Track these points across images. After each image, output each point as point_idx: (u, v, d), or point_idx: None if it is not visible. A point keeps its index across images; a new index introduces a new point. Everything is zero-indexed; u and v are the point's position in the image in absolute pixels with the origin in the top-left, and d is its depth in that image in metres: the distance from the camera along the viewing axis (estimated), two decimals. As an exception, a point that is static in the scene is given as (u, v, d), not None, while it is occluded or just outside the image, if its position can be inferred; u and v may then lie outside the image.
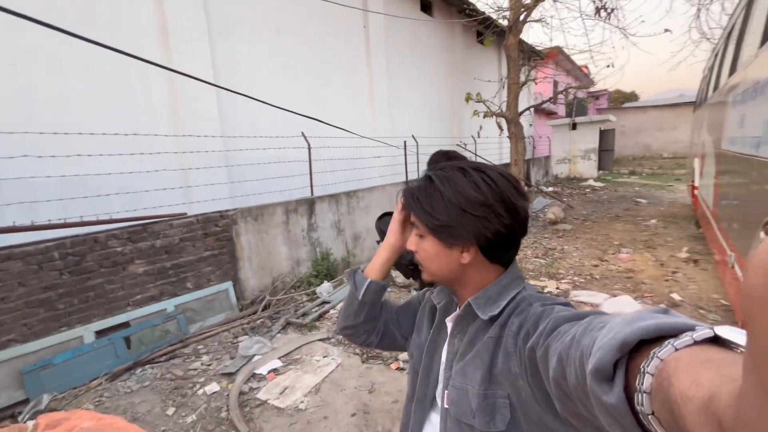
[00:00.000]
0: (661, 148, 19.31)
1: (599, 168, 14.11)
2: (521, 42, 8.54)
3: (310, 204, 4.49)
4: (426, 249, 0.66)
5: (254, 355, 2.95)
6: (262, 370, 2.76)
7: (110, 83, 3.44)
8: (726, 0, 7.03)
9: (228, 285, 3.66)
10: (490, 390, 0.58)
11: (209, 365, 2.89)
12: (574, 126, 13.94)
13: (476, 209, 0.60)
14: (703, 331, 0.28)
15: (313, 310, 3.70)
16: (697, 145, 6.19)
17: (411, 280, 2.11)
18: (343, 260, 4.88)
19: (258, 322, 3.46)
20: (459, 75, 8.96)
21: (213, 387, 2.60)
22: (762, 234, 1.82)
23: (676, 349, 0.28)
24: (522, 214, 0.62)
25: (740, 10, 3.82)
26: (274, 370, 2.77)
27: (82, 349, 2.75)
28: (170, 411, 2.38)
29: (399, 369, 2.74)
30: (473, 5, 7.98)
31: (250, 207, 3.87)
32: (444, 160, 1.99)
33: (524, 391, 0.55)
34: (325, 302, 3.86)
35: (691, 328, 0.30)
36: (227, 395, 2.50)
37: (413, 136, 6.30)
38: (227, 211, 3.71)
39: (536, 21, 8.49)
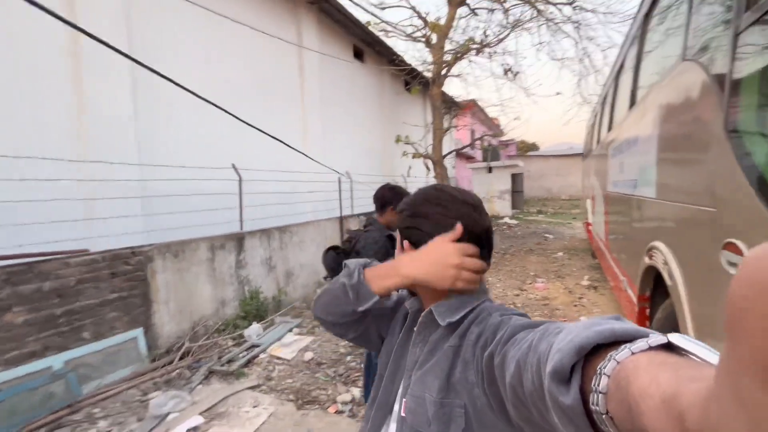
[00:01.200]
0: (560, 191, 22.31)
1: (513, 207, 15.71)
2: (443, 93, 9.50)
3: (239, 239, 4.22)
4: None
5: (169, 414, 2.54)
6: (179, 430, 2.39)
7: (-1, 99, 2.96)
8: (599, 73, 8.77)
9: (137, 332, 3.18)
10: (446, 399, 0.58)
11: (108, 432, 2.41)
12: (490, 170, 15.51)
13: (408, 217, 0.72)
14: (657, 338, 0.30)
15: (241, 355, 3.37)
16: (588, 188, 7.32)
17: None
18: (274, 299, 4.59)
19: (174, 373, 3.03)
20: (389, 118, 9.52)
21: (113, 458, 2.16)
22: (646, 258, 2.18)
23: (633, 353, 0.29)
24: (480, 227, 0.67)
25: (611, 81, 4.77)
26: (194, 429, 2.41)
27: None
28: (51, 496, 1.90)
29: (338, 412, 2.58)
30: (401, 57, 8.71)
31: (170, 243, 3.51)
32: (390, 194, 2.06)
33: (480, 399, 0.56)
34: (254, 346, 3.55)
35: (644, 335, 0.32)
36: (132, 466, 2.10)
37: (347, 173, 6.42)
38: (141, 247, 3.30)
39: (455, 76, 9.57)
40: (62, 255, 2.87)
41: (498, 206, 15.48)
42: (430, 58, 8.78)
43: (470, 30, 8.08)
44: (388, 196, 1.98)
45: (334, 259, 2.03)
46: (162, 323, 3.39)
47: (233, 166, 4.27)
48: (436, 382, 0.60)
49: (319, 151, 6.53)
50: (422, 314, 0.68)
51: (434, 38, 8.78)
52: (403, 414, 0.64)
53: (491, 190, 15.60)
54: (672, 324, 1.84)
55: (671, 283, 1.69)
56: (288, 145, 4.64)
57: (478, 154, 18.98)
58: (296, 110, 6.24)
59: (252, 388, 2.90)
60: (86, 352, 2.88)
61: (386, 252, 1.89)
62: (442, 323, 0.63)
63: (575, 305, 4.60)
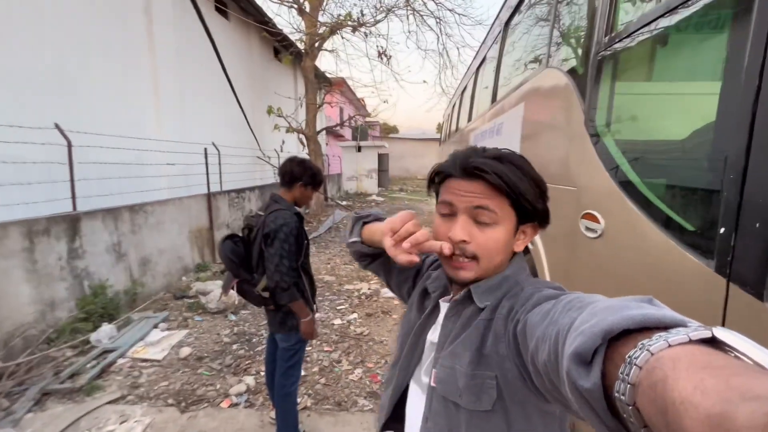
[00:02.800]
0: (416, 171, 24.82)
1: (379, 185, 16.74)
2: (316, 67, 9.21)
3: (72, 222, 3.28)
4: (498, 237, 0.60)
5: (-17, 459, 1.88)
6: (6, 476, 1.80)
7: None
8: (455, 68, 10.00)
9: None
10: (478, 370, 0.58)
11: None
12: (359, 149, 16.04)
13: (546, 195, 0.62)
14: (700, 331, 0.27)
15: (89, 365, 2.71)
16: (446, 169, 8.36)
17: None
18: (127, 293, 3.79)
19: (-19, 406, 2.22)
20: (258, 88, 8.71)
21: None
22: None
23: (670, 345, 0.27)
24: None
25: (470, 77, 5.51)
26: (32, 469, 1.86)
27: None
28: None
29: (232, 405, 2.38)
30: (272, 20, 8.00)
31: (-45, 229, 2.47)
32: (299, 168, 1.93)
33: (511, 372, 0.56)
34: (107, 351, 2.90)
35: (680, 323, 0.30)
36: None
37: (214, 144, 5.66)
38: None
39: (329, 51, 9.39)
40: None
41: (366, 184, 16.27)
42: (304, 26, 8.35)
43: (347, 6, 8.01)
44: (297, 171, 1.84)
45: (232, 249, 1.81)
46: (-51, 342, 2.41)
47: (57, 127, 3.24)
48: (467, 354, 0.60)
49: (177, 116, 5.54)
50: (460, 293, 0.66)
51: (307, 6, 8.35)
52: (433, 384, 0.64)
53: (359, 169, 16.24)
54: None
55: (532, 247, 2.14)
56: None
57: (347, 132, 19.32)
58: (145, 66, 5.06)
59: (113, 401, 2.39)
60: None
61: (299, 232, 1.78)
62: (481, 306, 0.62)
63: (441, 271, 5.31)
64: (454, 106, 7.77)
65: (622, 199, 1.25)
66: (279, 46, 8.85)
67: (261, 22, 7.68)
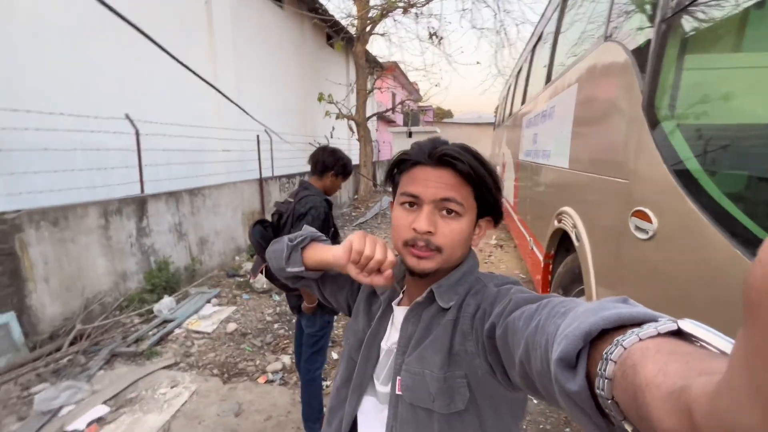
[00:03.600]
0: (470, 157, 24.00)
1: (430, 172, 16.44)
2: (367, 52, 9.15)
3: (140, 203, 3.64)
4: (462, 229, 0.60)
5: (62, 407, 2.19)
6: (78, 423, 2.08)
7: None
8: (513, 47, 9.32)
9: (8, 317, 2.60)
10: (449, 372, 0.58)
11: (-22, 438, 1.99)
12: (410, 134, 15.84)
13: (499, 184, 0.63)
14: (667, 324, 0.29)
15: (151, 332, 3.02)
16: (498, 155, 7.95)
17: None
18: (187, 269, 4.16)
19: (65, 361, 2.59)
20: (310, 74, 8.89)
21: (-10, 467, 1.80)
22: (555, 222, 2.46)
23: (640, 339, 0.29)
24: None
25: (526, 56, 5.09)
26: (98, 420, 2.13)
27: None
28: None
29: (268, 382, 2.51)
30: (324, 6, 8.06)
31: (46, 208, 2.86)
32: (331, 159, 1.92)
33: (480, 368, 0.56)
34: (166, 321, 3.21)
35: (652, 318, 0.32)
36: (19, 472, 1.78)
37: (267, 130, 5.91)
38: (3, 214, 2.63)
39: (380, 34, 9.26)
40: None
41: (417, 171, 16.07)
42: (355, 11, 8.30)
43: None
44: (329, 161, 1.85)
45: (262, 234, 1.86)
46: (42, 304, 2.82)
47: (127, 117, 3.57)
48: (437, 357, 0.59)
49: (233, 106, 5.85)
50: (421, 295, 0.64)
51: (360, -10, 8.26)
52: (399, 392, 0.62)
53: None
54: (572, 277, 2.14)
55: (578, 245, 1.94)
56: (209, 83, 4.06)
57: (398, 118, 19.16)
58: (205, 56, 5.39)
59: (168, 367, 2.65)
60: (-68, 347, 2.28)
61: (326, 218, 1.79)
62: (445, 306, 0.61)
63: (485, 262, 5.11)
64: (509, 88, 7.29)
65: (681, 196, 1.06)
66: (331, 32, 8.91)
67: (313, 9, 7.77)
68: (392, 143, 16.20)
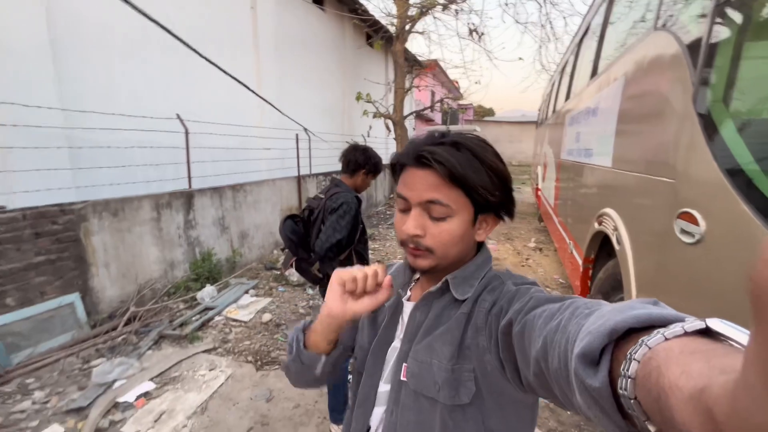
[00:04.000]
0: (511, 156, 23.19)
1: (467, 171, 16.13)
2: (406, 50, 9.13)
3: (188, 197, 3.90)
4: (452, 230, 0.59)
5: (115, 381, 2.41)
6: (128, 396, 2.27)
7: None
8: (559, 41, 8.88)
9: (74, 297, 2.90)
10: (457, 365, 0.58)
11: (46, 402, 2.24)
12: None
13: (508, 183, 0.61)
14: (694, 323, 0.28)
15: (194, 318, 3.23)
16: (540, 155, 7.63)
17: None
18: (228, 260, 4.40)
19: (119, 339, 2.84)
20: (349, 74, 9.04)
21: (54, 430, 2.02)
22: (595, 224, 2.33)
23: (666, 339, 0.28)
24: None
25: (572, 51, 4.84)
26: (145, 395, 2.31)
27: None
28: (-17, 473, 1.75)
29: (299, 371, 2.60)
30: (364, 6, 8.15)
31: (107, 200, 3.15)
32: (363, 157, 1.96)
33: (490, 364, 0.56)
34: (208, 308, 3.41)
35: (681, 319, 0.30)
36: (78, 436, 1.98)
37: (306, 129, 6.09)
38: (71, 204, 2.93)
39: (419, 33, 9.20)
40: (-30, 212, 2.47)
41: (454, 170, 15.82)
42: (394, 10, 8.31)
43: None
44: (361, 159, 1.89)
45: (292, 228, 1.93)
46: (102, 287, 3.12)
47: (178, 117, 3.84)
48: (447, 349, 0.59)
49: (275, 102, 6.09)
50: (436, 285, 0.64)
51: (400, -11, 8.26)
52: (403, 378, 0.62)
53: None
54: (612, 283, 2.02)
55: (619, 248, 1.82)
56: (248, 87, 4.26)
57: (437, 116, 18.96)
58: (250, 59, 5.67)
59: (207, 351, 2.82)
60: (12, 320, 2.59)
61: (356, 214, 1.82)
62: (460, 297, 0.61)
63: (522, 265, 4.93)
64: (553, 85, 6.97)
65: (732, 197, 0.96)
66: (370, 31, 8.99)
67: (353, 10, 7.88)
68: (430, 142, 16.07)
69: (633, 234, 1.70)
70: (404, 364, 0.63)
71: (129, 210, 3.31)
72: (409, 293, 0.72)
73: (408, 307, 0.69)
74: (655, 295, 1.45)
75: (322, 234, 1.75)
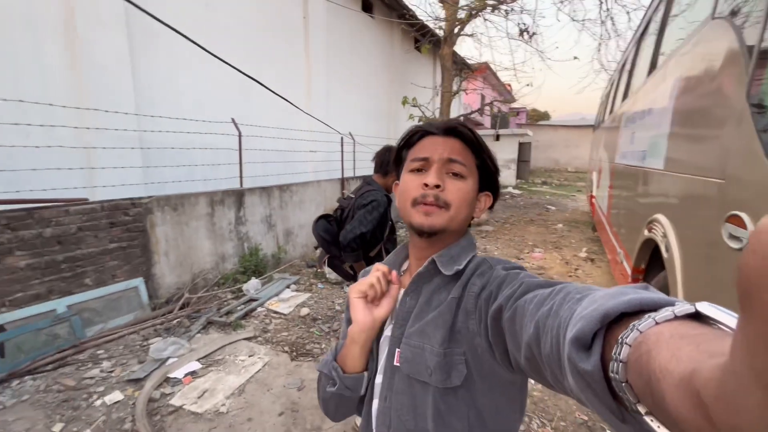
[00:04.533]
0: (566, 162, 21.92)
1: (517, 177, 15.52)
2: (455, 53, 9.05)
3: (239, 196, 4.20)
4: (466, 189, 0.65)
5: (168, 358, 2.66)
6: (178, 373, 2.50)
7: (-13, 37, 2.82)
8: (621, 38, 8.28)
9: (138, 282, 3.25)
10: (449, 348, 0.60)
11: (111, 372, 2.53)
12: (497, 137, 15.15)
13: (497, 166, 0.70)
14: (684, 307, 0.29)
15: (239, 307, 3.46)
16: (595, 160, 7.15)
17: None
18: (274, 256, 4.65)
19: (174, 322, 3.13)
20: (396, 78, 9.16)
21: (115, 396, 2.28)
22: (645, 231, 2.15)
23: (657, 323, 0.29)
24: None
25: (632, 46, 4.51)
26: (192, 373, 2.53)
27: (-67, 360, 2.21)
28: (57, 427, 2.03)
29: (330, 365, 2.68)
30: (412, 12, 8.23)
31: (169, 195, 3.49)
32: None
33: (480, 347, 0.57)
34: (252, 299, 3.64)
35: (672, 304, 0.31)
36: (133, 404, 2.21)
37: (350, 134, 6.27)
38: (140, 198, 3.30)
39: (469, 35, 9.07)
40: (61, 203, 2.88)
41: (502, 175, 15.17)
42: (442, 14, 8.29)
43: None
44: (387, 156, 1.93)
45: (325, 227, 2.00)
46: (162, 274, 3.46)
47: (233, 121, 4.16)
48: (439, 332, 0.61)
49: (322, 109, 6.35)
50: (422, 266, 0.67)
51: (448, -8, 8.22)
52: (396, 363, 0.64)
53: (497, 159, 15.33)
54: (664, 297, 1.85)
55: (667, 256, 1.67)
56: (293, 104, 4.50)
57: (487, 120, 18.48)
58: (301, 65, 5.98)
59: (248, 338, 3.00)
60: (89, 298, 2.96)
61: (385, 212, 1.86)
62: (449, 273, 0.63)
63: (570, 275, 4.65)
64: (611, 85, 6.51)
65: (784, 198, 0.86)
66: (418, 36, 9.05)
67: (401, 15, 7.98)
68: (478, 146, 15.68)
69: (682, 240, 1.56)
70: (397, 350, 0.64)
71: (188, 205, 3.65)
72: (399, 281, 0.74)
73: (399, 294, 0.70)
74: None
75: (348, 225, 1.81)
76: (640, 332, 0.29)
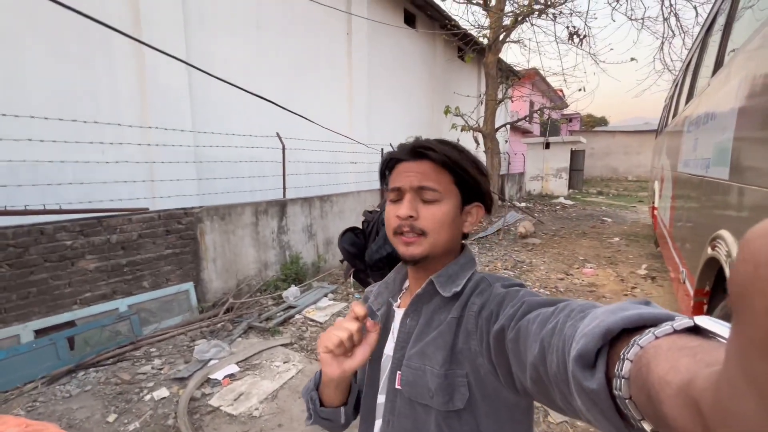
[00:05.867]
0: (626, 171, 20.33)
1: (569, 186, 14.66)
2: (500, 61, 8.85)
3: (281, 206, 4.39)
4: (442, 212, 0.62)
5: (210, 360, 2.81)
6: (218, 375, 2.63)
7: (71, 62, 3.25)
8: (687, 35, 7.57)
9: (189, 286, 3.50)
10: (450, 370, 0.58)
11: (161, 369, 2.73)
12: (547, 145, 14.47)
13: (486, 178, 0.67)
14: (683, 321, 0.29)
15: (278, 314, 3.58)
16: (657, 168, 6.53)
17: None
18: (314, 265, 4.78)
19: (218, 325, 3.32)
20: (439, 88, 9.13)
21: (162, 392, 2.45)
22: (708, 249, 1.91)
23: (656, 338, 0.29)
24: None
25: (697, 44, 4.10)
26: (231, 376, 2.65)
27: (17, 349, 2.53)
28: (111, 418, 2.22)
29: (361, 376, 2.67)
30: (455, 21, 8.20)
31: (217, 206, 3.75)
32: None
33: (483, 368, 0.56)
34: (290, 307, 3.76)
35: (672, 318, 0.31)
36: (177, 401, 2.36)
37: (391, 144, 6.33)
38: (192, 208, 3.57)
39: (515, 42, 8.83)
40: (126, 212, 3.20)
41: (552, 185, 14.54)
42: (486, 22, 8.16)
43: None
44: None
45: (352, 240, 2.00)
46: (210, 279, 3.69)
47: (278, 135, 4.38)
48: (440, 354, 0.59)
49: (363, 122, 6.49)
50: (421, 287, 0.65)
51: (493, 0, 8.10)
52: (398, 386, 0.63)
53: (546, 168, 14.64)
54: (729, 320, 1.62)
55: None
56: (325, 127, 4.64)
57: (536, 128, 17.75)
58: (343, 81, 6.19)
59: (285, 345, 3.09)
60: (146, 299, 3.24)
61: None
62: (446, 294, 0.62)
63: (625, 294, 4.26)
64: (676, 86, 5.96)
65: None
66: (462, 44, 8.98)
67: (444, 26, 7.97)
68: (526, 155, 15.09)
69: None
70: (398, 372, 0.63)
71: (234, 215, 3.88)
72: (399, 301, 0.72)
73: (399, 315, 0.69)
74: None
75: (373, 244, 1.80)
76: (641, 347, 0.29)
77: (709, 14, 3.95)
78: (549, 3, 7.12)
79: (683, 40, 7.67)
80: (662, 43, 7.90)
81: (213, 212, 3.69)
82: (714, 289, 2.07)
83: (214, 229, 3.70)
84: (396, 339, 0.66)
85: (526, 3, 7.44)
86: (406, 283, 0.74)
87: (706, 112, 2.61)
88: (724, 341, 0.26)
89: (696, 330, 0.28)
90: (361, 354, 0.60)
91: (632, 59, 6.95)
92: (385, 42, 7.14)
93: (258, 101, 4.73)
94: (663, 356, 0.26)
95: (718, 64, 2.58)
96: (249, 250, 4.04)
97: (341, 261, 2.50)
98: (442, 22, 8.25)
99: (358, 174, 6.13)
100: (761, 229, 0.16)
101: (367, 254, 1.81)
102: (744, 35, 2.01)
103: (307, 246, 4.75)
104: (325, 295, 4.13)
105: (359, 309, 0.58)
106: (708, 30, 3.57)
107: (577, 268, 5.21)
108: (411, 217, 0.62)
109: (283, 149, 4.41)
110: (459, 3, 7.83)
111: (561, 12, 7.19)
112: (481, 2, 8.07)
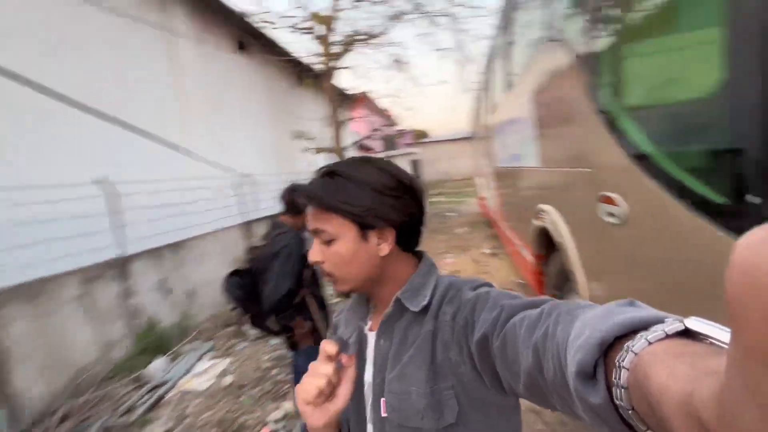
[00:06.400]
0: (454, 172, 24.39)
1: (415, 192, 16.62)
2: (334, 86, 9.42)
3: (121, 265, 3.55)
4: (340, 251, 0.60)
5: (50, 496, 2.02)
6: None
7: None
8: (474, 63, 9.69)
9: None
10: (435, 386, 0.57)
11: None
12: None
13: (391, 191, 0.61)
14: (674, 325, 0.29)
15: (142, 400, 2.87)
16: (479, 166, 8.11)
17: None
18: (179, 326, 4.02)
19: (51, 444, 2.42)
20: (284, 113, 9.09)
21: None
22: (536, 221, 2.47)
23: (650, 343, 0.29)
24: (423, 195, 0.66)
25: (487, 69, 5.31)
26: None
27: None
28: None
29: (271, 432, 2.38)
30: (287, 51, 8.35)
31: (21, 284, 2.77)
32: (298, 195, 1.91)
33: (466, 376, 0.55)
34: (158, 386, 3.06)
35: (661, 320, 0.31)
36: None
37: (247, 174, 5.93)
38: None
39: (346, 68, 9.57)
40: None
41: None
42: (320, 49, 8.60)
43: (357, 21, 8.11)
44: (293, 196, 1.84)
45: (238, 284, 1.80)
46: (26, 387, 2.67)
47: (102, 181, 3.55)
48: (421, 372, 0.58)
49: (209, 151, 5.87)
50: (388, 308, 0.63)
51: (320, 30, 8.60)
52: (384, 414, 0.60)
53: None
54: (564, 275, 2.12)
55: (560, 240, 1.93)
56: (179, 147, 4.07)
57: (377, 144, 19.51)
58: (172, 108, 5.47)
59: (165, 433, 2.50)
60: None
61: (303, 255, 1.75)
62: (415, 309, 0.60)
63: (484, 273, 5.07)
64: (479, 101, 7.54)
65: (639, 176, 1.07)
66: (298, 71, 9.19)
67: (280, 53, 8.02)
68: (374, 170, 16.40)
69: (570, 224, 1.82)
70: (382, 399, 0.61)
71: (50, 291, 2.94)
72: (369, 323, 0.69)
73: (371, 338, 0.66)
74: (600, 277, 1.54)
75: (266, 287, 1.64)
76: (635, 354, 0.29)
77: (491, 47, 5.16)
78: (370, 35, 8.02)
79: (476, 65, 9.74)
80: (460, 68, 9.88)
81: (13, 295, 2.71)
82: (547, 253, 2.68)
83: (21, 317, 2.71)
84: (374, 363, 0.64)
85: (350, 34, 8.20)
86: (372, 303, 0.71)
87: (508, 119, 3.39)
88: (717, 344, 0.26)
89: (688, 333, 0.29)
90: (344, 393, 0.56)
91: (444, 81, 8.45)
92: (223, 68, 6.70)
93: (76, 141, 3.74)
94: (660, 364, 0.26)
95: (508, 85, 3.40)
96: (81, 331, 3.11)
97: (232, 309, 2.19)
98: (275, 48, 8.29)
99: (216, 210, 5.49)
100: (748, 239, 0.16)
101: (264, 300, 1.64)
102: (520, 62, 2.71)
103: (164, 305, 3.97)
104: (201, 357, 3.52)
105: (330, 347, 0.54)
106: (492, 59, 4.67)
107: (440, 261, 5.93)
108: (317, 261, 0.63)
109: (113, 196, 3.59)
110: (290, 32, 8.00)
111: (381, 43, 8.18)
112: (311, 32, 8.46)
